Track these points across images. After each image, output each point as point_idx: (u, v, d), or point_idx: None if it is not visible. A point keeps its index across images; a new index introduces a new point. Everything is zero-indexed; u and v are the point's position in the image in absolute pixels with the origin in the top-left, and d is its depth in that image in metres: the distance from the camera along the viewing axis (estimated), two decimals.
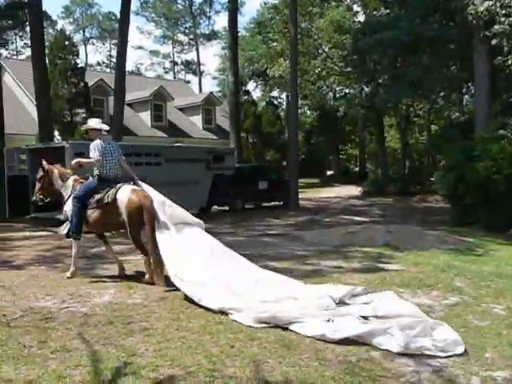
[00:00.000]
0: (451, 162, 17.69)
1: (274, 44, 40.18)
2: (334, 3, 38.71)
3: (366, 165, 43.96)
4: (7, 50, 56.66)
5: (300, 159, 25.52)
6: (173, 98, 35.37)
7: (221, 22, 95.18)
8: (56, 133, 23.26)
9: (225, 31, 53.75)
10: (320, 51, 36.01)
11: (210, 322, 5.97)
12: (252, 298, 6.51)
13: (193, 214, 8.26)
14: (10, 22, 51.51)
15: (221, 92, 48.18)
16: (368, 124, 39.75)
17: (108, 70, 56.34)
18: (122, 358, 4.83)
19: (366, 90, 34.86)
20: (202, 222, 8.18)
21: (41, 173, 8.84)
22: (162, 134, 33.13)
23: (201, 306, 6.50)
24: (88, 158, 8.42)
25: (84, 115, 27.53)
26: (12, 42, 61.44)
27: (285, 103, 48.06)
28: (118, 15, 23.66)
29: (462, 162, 16.57)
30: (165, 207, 7.96)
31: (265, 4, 43.16)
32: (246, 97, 40.49)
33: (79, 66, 28.90)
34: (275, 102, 48.37)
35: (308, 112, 49.35)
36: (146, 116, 33.79)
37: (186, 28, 70.06)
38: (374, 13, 28.53)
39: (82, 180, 8.61)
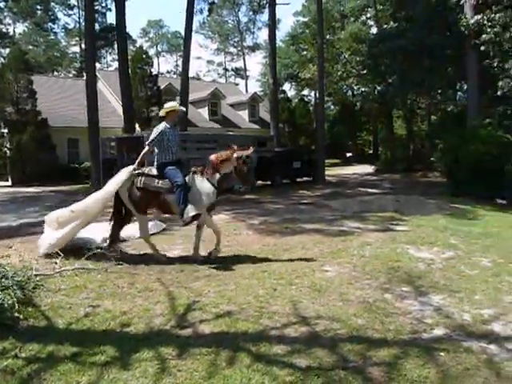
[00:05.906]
0: (448, 145, 17.28)
1: (304, 52, 39.81)
2: (352, 19, 37.91)
3: (378, 148, 43.02)
4: (100, 63, 57.57)
5: (325, 144, 25.10)
6: (225, 96, 35.28)
7: (262, 35, 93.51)
8: (136, 126, 23.50)
9: (265, 43, 53.33)
10: (341, 57, 35.24)
11: (257, 270, 6.01)
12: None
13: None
14: (103, 42, 52.40)
15: (262, 92, 47.50)
16: (380, 115, 38.87)
17: (175, 77, 56.38)
18: (191, 297, 4.93)
19: (379, 88, 34.16)
20: None
21: None
22: (217, 126, 33.12)
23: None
24: None
25: (157, 112, 27.77)
26: (104, 57, 62.37)
27: (313, 99, 47.36)
28: (183, 33, 23.54)
29: (456, 145, 16.20)
30: None
31: (297, 21, 44.29)
32: (282, 95, 40.10)
33: (153, 74, 29.00)
34: (305, 99, 47.57)
35: (332, 106, 48.40)
36: (204, 111, 33.78)
37: (234, 42, 69.79)
38: (385, 26, 27.55)
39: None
